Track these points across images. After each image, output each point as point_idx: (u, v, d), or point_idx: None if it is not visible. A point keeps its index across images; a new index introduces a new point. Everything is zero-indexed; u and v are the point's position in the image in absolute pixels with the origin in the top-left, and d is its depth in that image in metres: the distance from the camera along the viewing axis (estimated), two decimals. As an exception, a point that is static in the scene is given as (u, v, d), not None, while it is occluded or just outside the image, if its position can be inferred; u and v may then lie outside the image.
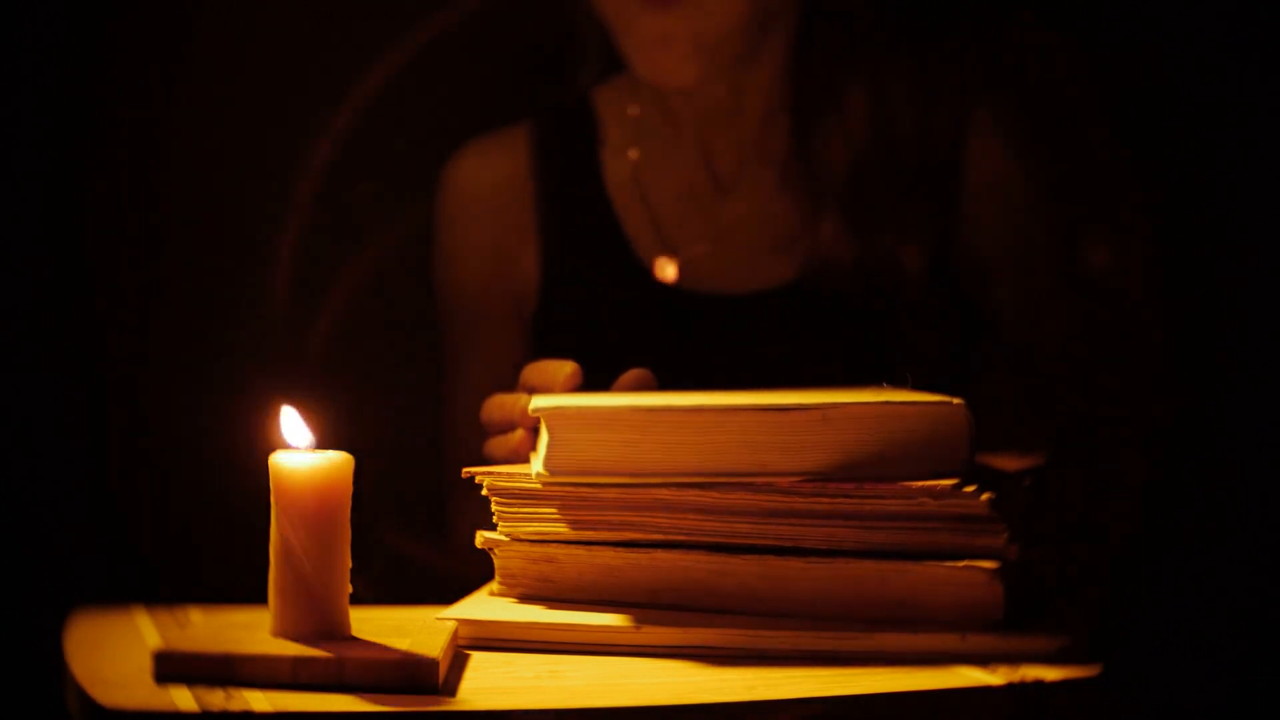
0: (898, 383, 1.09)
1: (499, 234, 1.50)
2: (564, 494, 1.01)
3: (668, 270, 1.43)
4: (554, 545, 1.02)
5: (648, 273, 1.44)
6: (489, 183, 1.51)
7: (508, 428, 1.19)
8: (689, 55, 1.35)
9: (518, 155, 1.50)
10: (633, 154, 1.47)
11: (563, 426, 1.00)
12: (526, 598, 1.03)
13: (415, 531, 1.49)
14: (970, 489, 0.95)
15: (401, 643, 0.92)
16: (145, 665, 0.90)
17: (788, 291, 1.43)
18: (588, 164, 1.48)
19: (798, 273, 1.43)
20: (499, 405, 1.20)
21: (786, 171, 1.44)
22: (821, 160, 1.42)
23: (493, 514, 1.04)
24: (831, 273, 1.41)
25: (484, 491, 1.04)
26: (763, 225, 1.45)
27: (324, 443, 0.95)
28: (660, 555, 1.01)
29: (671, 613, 0.99)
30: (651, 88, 1.44)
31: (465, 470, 1.05)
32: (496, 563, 1.04)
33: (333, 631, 0.93)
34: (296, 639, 0.92)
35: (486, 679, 0.92)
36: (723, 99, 1.44)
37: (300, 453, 0.93)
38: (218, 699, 0.86)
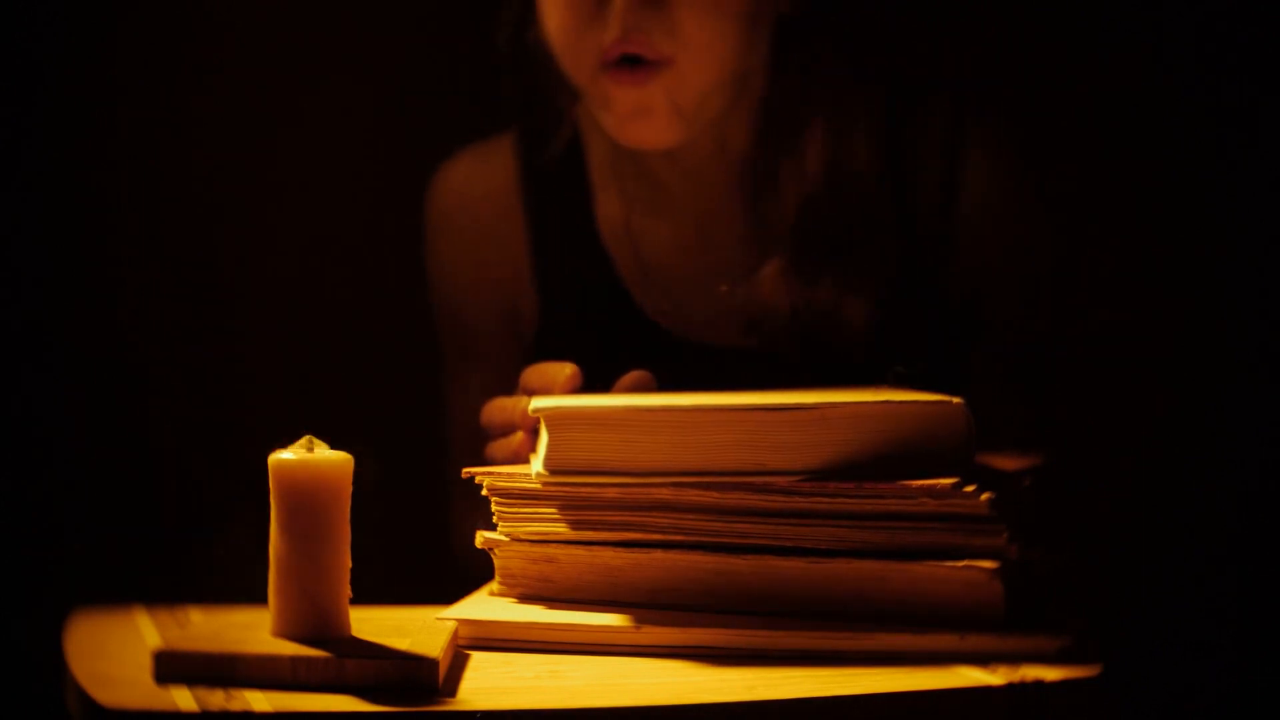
0: (898, 380, 1.09)
1: (488, 247, 1.48)
2: (564, 494, 1.01)
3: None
4: (554, 545, 1.02)
5: (640, 312, 1.42)
6: (476, 195, 1.49)
7: (508, 430, 1.19)
8: (668, 120, 1.32)
9: (505, 168, 1.47)
10: (622, 199, 1.45)
11: (562, 427, 1.00)
12: (526, 598, 1.03)
13: (415, 532, 1.49)
14: (970, 489, 0.95)
15: (401, 643, 0.92)
16: (145, 665, 0.90)
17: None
18: (577, 191, 1.46)
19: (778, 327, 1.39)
20: (499, 408, 1.20)
21: (751, 220, 1.42)
22: (773, 205, 1.38)
23: (493, 515, 1.04)
24: (769, 318, 1.37)
25: (484, 492, 1.04)
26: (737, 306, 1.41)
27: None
28: (660, 555, 1.01)
29: (671, 613, 0.99)
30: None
31: (465, 470, 1.05)
32: (496, 563, 1.04)
33: (333, 631, 0.93)
34: (296, 639, 0.92)
35: (486, 679, 0.92)
36: (703, 151, 1.40)
37: (300, 452, 0.93)
38: (218, 699, 0.86)
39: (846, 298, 1.36)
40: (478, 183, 1.49)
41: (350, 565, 0.94)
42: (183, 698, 0.86)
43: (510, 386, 1.23)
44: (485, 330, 1.49)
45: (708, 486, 0.99)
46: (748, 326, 1.39)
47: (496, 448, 1.19)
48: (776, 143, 1.38)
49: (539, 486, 1.01)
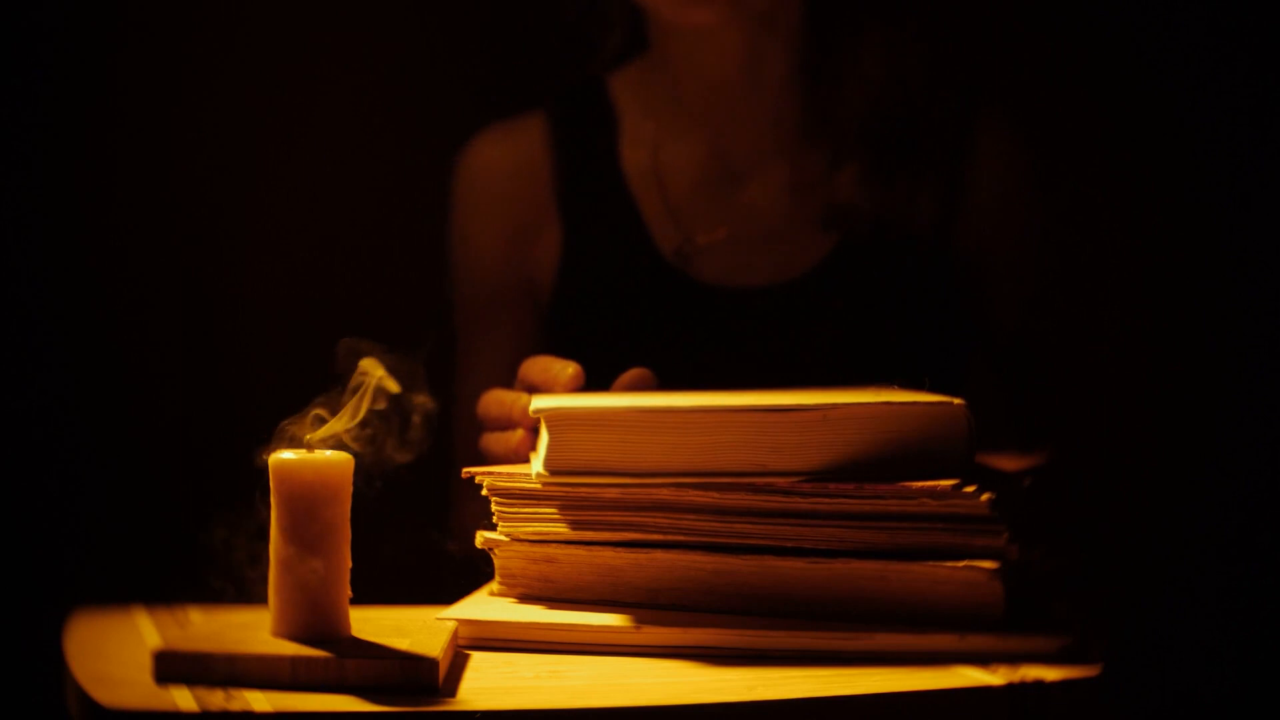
0: (913, 384, 1.08)
1: (516, 217, 1.50)
2: (564, 494, 1.01)
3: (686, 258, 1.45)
4: (554, 545, 1.02)
5: (665, 262, 1.45)
6: (506, 166, 1.52)
7: (506, 425, 1.18)
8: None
9: (534, 140, 1.52)
10: (650, 141, 1.49)
11: (563, 427, 1.00)
12: (526, 598, 1.03)
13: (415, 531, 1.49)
14: (970, 489, 0.95)
15: (401, 643, 0.92)
16: (145, 665, 0.90)
17: (798, 284, 1.44)
18: (606, 151, 1.50)
19: (809, 265, 1.44)
20: (497, 402, 1.20)
21: (799, 151, 1.46)
22: (839, 110, 1.43)
23: (493, 513, 1.04)
24: (849, 220, 1.42)
25: (484, 492, 1.04)
26: (774, 217, 1.46)
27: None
28: (660, 555, 1.01)
29: (671, 613, 0.99)
30: (672, 68, 1.47)
31: (465, 470, 1.05)
32: (496, 563, 1.04)
33: (333, 631, 0.93)
34: (296, 639, 0.92)
35: (486, 679, 0.92)
36: (741, 72, 1.45)
37: (300, 452, 0.93)
38: (218, 699, 0.86)
39: (919, 195, 1.42)
40: (507, 155, 1.52)
41: (350, 565, 0.94)
42: (183, 698, 0.86)
43: (514, 376, 1.23)
44: (506, 303, 1.50)
45: (708, 487, 0.99)
46: (826, 221, 1.43)
47: (493, 441, 1.19)
48: (831, 60, 1.44)
49: (539, 486, 1.01)
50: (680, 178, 1.48)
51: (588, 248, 1.48)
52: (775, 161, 1.47)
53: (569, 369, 1.17)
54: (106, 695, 0.87)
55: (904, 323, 1.43)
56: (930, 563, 0.96)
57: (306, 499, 0.92)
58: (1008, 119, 1.47)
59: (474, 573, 1.07)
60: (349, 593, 0.94)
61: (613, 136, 1.50)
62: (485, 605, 1.02)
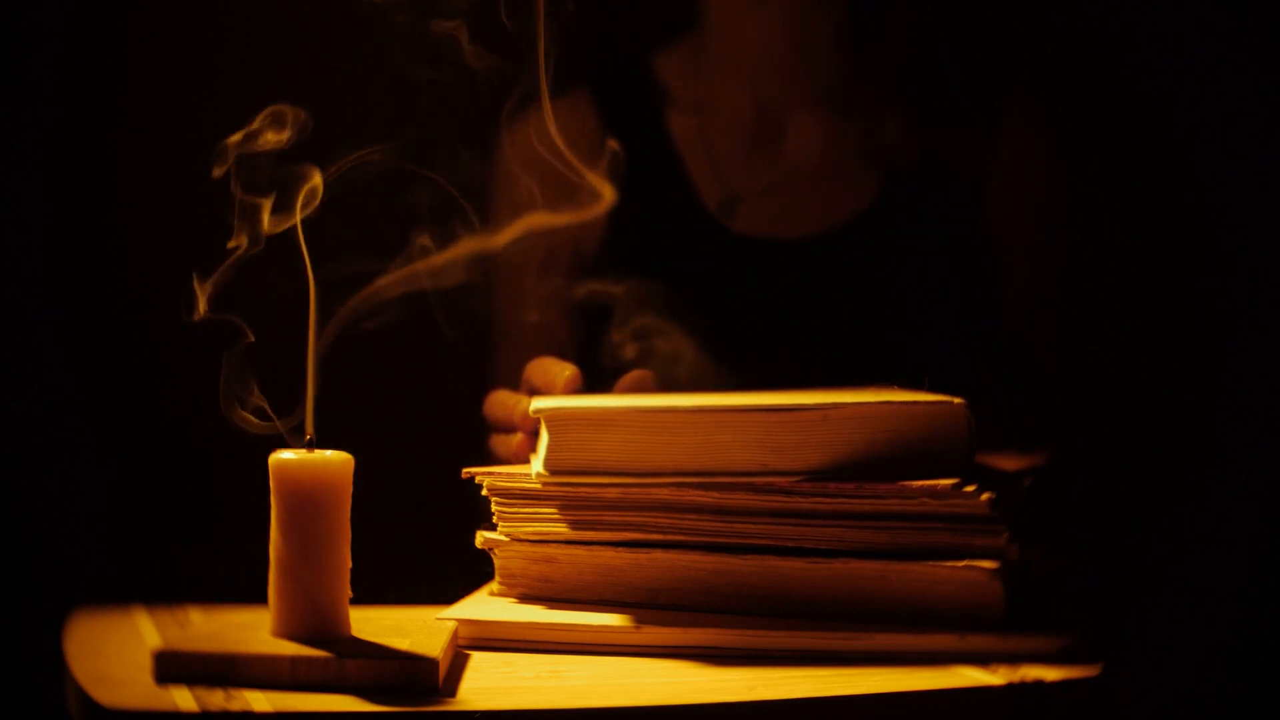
0: (913, 384, 1.09)
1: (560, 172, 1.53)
2: (564, 494, 1.01)
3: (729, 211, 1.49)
4: (554, 545, 1.02)
5: (709, 216, 1.49)
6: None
7: (508, 428, 1.19)
8: None
9: (584, 109, 1.54)
10: (694, 105, 1.53)
11: (563, 427, 1.00)
12: (526, 598, 1.03)
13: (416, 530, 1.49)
14: (970, 489, 0.95)
15: (401, 643, 0.92)
16: (145, 665, 0.90)
17: (834, 238, 1.47)
18: (652, 118, 1.54)
19: (845, 219, 1.48)
20: (499, 403, 1.21)
21: (840, 103, 1.50)
22: (880, 68, 1.49)
23: (493, 513, 1.04)
24: (890, 156, 1.47)
25: (484, 491, 1.04)
26: (815, 165, 1.50)
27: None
28: (660, 555, 1.01)
29: (671, 613, 0.99)
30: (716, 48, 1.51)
31: (465, 470, 1.05)
32: (496, 563, 1.04)
33: (333, 632, 0.93)
34: (296, 639, 0.92)
35: (486, 679, 0.92)
36: (787, 39, 1.49)
37: (300, 453, 0.93)
38: (218, 699, 0.86)
39: (952, 150, 1.48)
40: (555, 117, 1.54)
41: (350, 565, 0.94)
42: (183, 698, 0.86)
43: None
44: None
45: (708, 487, 0.99)
46: (868, 156, 1.49)
47: (497, 443, 1.20)
48: (878, 12, 1.50)
49: (539, 486, 1.01)
50: (724, 135, 1.52)
51: (632, 207, 1.50)
52: (816, 112, 1.51)
53: (566, 371, 1.17)
54: (106, 695, 0.87)
55: (924, 292, 1.46)
56: (930, 563, 0.96)
57: (306, 499, 0.92)
58: (1032, 108, 1.50)
59: (474, 573, 1.07)
60: (349, 593, 0.94)
61: (660, 108, 1.54)
62: (485, 605, 1.02)
